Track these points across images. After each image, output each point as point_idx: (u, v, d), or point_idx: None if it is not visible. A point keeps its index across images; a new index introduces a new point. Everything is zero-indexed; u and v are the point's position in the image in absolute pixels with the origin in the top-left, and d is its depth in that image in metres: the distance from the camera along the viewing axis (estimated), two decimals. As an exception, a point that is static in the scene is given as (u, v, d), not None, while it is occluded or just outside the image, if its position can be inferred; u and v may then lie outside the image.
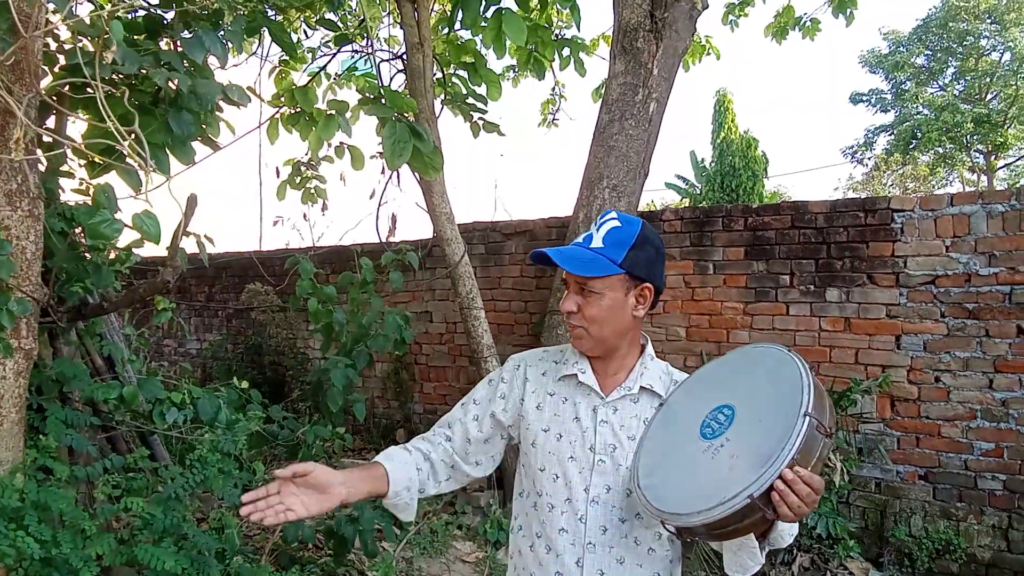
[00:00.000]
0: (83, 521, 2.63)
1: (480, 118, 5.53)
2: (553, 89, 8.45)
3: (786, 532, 1.41)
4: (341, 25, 5.69)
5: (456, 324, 6.38)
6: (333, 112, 4.43)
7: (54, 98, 2.78)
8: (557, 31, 6.72)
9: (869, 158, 29.20)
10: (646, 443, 1.47)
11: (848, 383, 4.68)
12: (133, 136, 2.04)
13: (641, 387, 1.63)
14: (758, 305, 5.07)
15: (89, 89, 2.84)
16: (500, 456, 1.79)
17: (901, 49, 27.45)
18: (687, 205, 19.84)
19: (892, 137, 27.54)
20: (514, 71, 7.97)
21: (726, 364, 1.49)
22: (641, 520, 1.55)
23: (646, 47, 4.97)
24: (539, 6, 6.13)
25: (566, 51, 6.13)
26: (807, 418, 1.19)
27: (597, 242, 1.56)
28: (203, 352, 7.95)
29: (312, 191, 5.69)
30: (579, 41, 6.25)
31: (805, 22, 7.62)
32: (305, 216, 6.94)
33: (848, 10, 6.95)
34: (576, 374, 1.65)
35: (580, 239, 1.60)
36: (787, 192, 21.60)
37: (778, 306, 5.01)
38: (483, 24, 4.54)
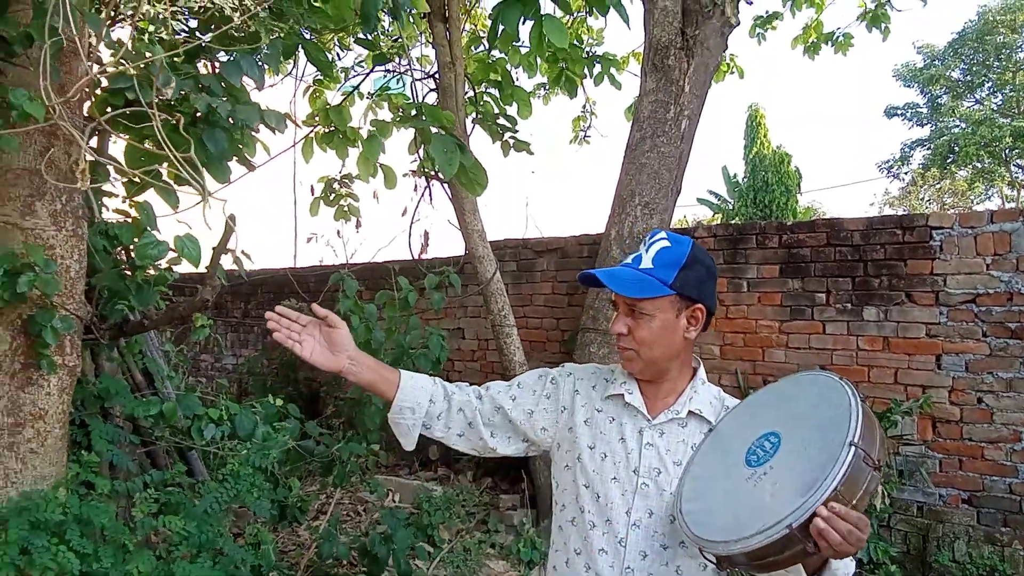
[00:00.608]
0: (123, 536, 2.66)
1: (511, 136, 5.56)
2: (584, 106, 8.47)
3: (840, 571, 1.34)
4: (376, 45, 5.77)
5: (488, 341, 6.38)
6: (375, 132, 4.50)
7: (96, 119, 2.84)
8: (587, 48, 6.76)
9: (905, 173, 28.76)
10: (692, 469, 1.45)
11: (888, 403, 4.59)
12: (173, 156, 2.08)
13: (690, 411, 1.60)
14: (794, 323, 5.00)
15: (128, 111, 2.92)
16: (517, 445, 1.76)
17: (936, 63, 27.07)
18: (719, 221, 19.70)
19: (928, 151, 27.11)
20: (544, 89, 8.01)
21: (775, 391, 1.47)
22: (685, 549, 1.51)
23: (677, 64, 4.96)
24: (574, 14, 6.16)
25: (597, 68, 6.16)
26: (853, 448, 1.16)
27: (647, 263, 1.54)
28: (239, 367, 8.04)
29: (345, 208, 5.76)
30: (611, 57, 6.27)
31: (838, 37, 7.56)
32: (339, 233, 6.99)
33: (882, 24, 6.89)
34: (623, 394, 1.63)
35: (629, 260, 1.58)
36: (821, 208, 21.35)
37: (814, 324, 4.94)
38: (520, 44, 4.56)
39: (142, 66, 2.54)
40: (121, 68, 2.48)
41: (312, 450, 3.93)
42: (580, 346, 5.14)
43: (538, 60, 6.12)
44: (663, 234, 1.60)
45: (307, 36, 4.70)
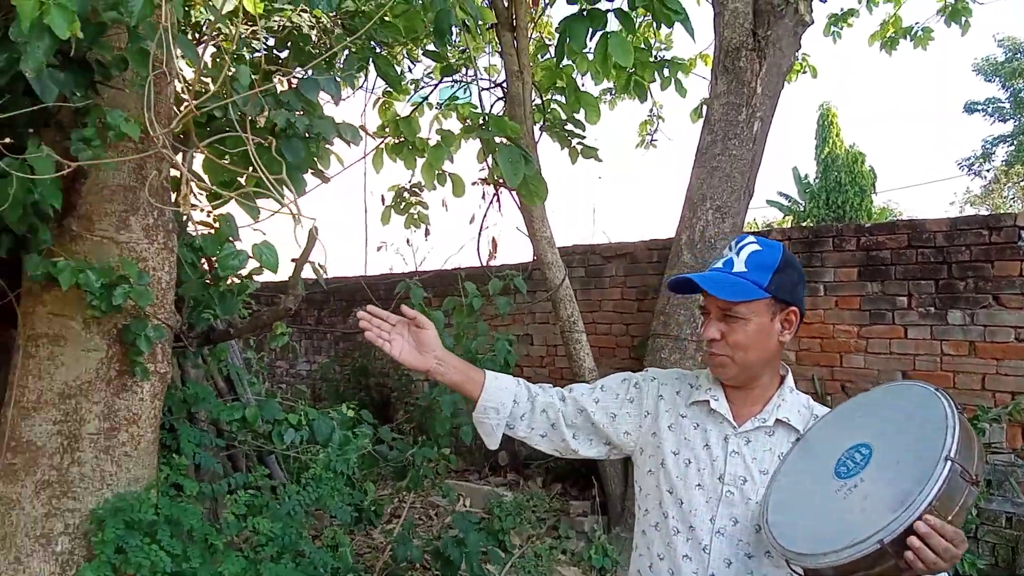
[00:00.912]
0: (212, 536, 2.77)
1: (579, 143, 5.56)
2: (651, 110, 8.40)
3: None
4: (444, 57, 5.86)
5: (556, 347, 6.39)
6: (440, 141, 4.57)
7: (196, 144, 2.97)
8: (655, 52, 6.70)
9: (987, 170, 27.51)
10: (779, 478, 1.43)
11: (974, 410, 4.41)
12: (261, 170, 2.16)
13: (777, 420, 1.57)
14: (873, 328, 4.85)
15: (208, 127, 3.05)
16: (599, 448, 1.77)
17: (1019, 56, 25.84)
18: (790, 223, 19.23)
19: (1012, 148, 25.88)
20: (611, 93, 7.98)
21: (866, 401, 1.43)
22: (771, 558, 1.49)
23: (749, 66, 4.89)
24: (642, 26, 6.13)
25: (665, 72, 6.10)
26: (949, 462, 1.12)
27: (739, 266, 1.53)
28: (312, 373, 8.26)
29: (415, 216, 5.86)
30: (679, 61, 6.21)
31: (916, 32, 7.31)
32: (408, 241, 7.12)
33: (962, 19, 6.63)
34: (708, 400, 1.62)
35: (720, 264, 1.57)
36: (897, 208, 20.62)
37: (895, 329, 4.78)
38: (587, 51, 4.58)
39: (228, 85, 2.65)
40: (208, 88, 2.60)
41: (386, 455, 4.00)
42: (651, 352, 5.10)
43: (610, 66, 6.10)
44: (752, 238, 1.59)
45: (377, 50, 4.82)
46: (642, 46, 6.43)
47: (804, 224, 17.08)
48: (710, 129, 5.02)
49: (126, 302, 2.57)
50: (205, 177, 3.93)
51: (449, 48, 6.29)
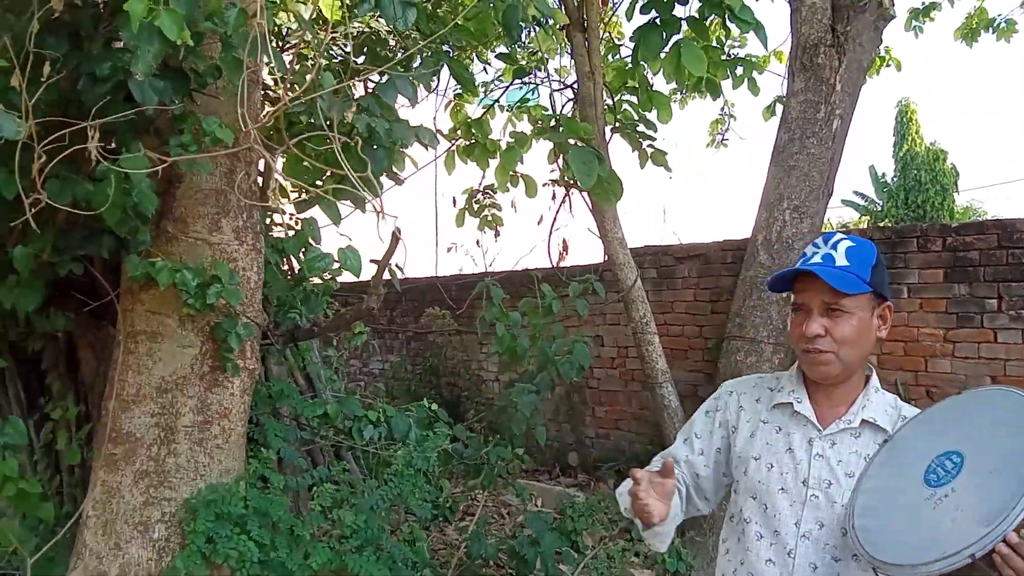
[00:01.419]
0: (298, 528, 2.86)
1: (649, 146, 5.50)
2: (722, 109, 8.27)
3: None
4: (515, 59, 5.90)
5: (627, 349, 6.35)
6: (513, 143, 4.60)
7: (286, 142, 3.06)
8: (728, 50, 6.60)
9: (1081, 166, 26.05)
10: (866, 482, 1.40)
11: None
12: (350, 174, 2.23)
13: (863, 420, 1.54)
14: (960, 331, 4.66)
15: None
16: (724, 486, 1.76)
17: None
18: (866, 223, 18.63)
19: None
20: (681, 92, 7.88)
21: (956, 406, 1.40)
22: (857, 562, 1.45)
23: (828, 63, 4.76)
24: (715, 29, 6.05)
25: (738, 70, 6.00)
26: None
27: (841, 260, 1.50)
28: (385, 372, 8.41)
29: (488, 218, 5.92)
30: (752, 60, 6.10)
31: (999, 23, 7.00)
32: (478, 243, 7.19)
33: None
34: (791, 403, 1.60)
35: (816, 259, 1.53)
36: (981, 207, 19.73)
37: (984, 332, 4.58)
38: (661, 56, 4.55)
39: (313, 89, 2.73)
40: (294, 93, 2.68)
41: (460, 453, 4.05)
42: (726, 354, 5.02)
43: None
44: (841, 234, 1.56)
45: (450, 53, 4.88)
46: (714, 44, 6.35)
47: (882, 224, 16.53)
48: (787, 128, 4.91)
49: (218, 301, 2.69)
50: (286, 184, 4.06)
51: (520, 50, 6.33)
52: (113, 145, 2.43)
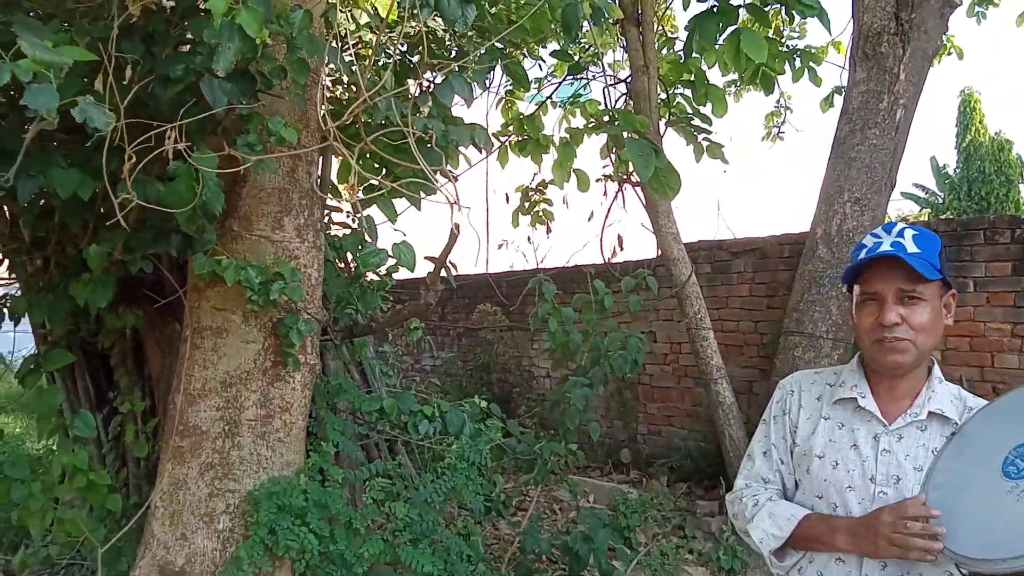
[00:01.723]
0: (356, 521, 2.91)
1: (705, 138, 5.43)
2: (778, 101, 8.11)
3: None
4: (569, 55, 5.88)
5: (681, 344, 6.29)
6: (568, 139, 4.59)
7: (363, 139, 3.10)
8: (786, 40, 6.46)
9: None
10: (936, 475, 1.37)
11: None
12: (426, 170, 2.25)
13: (930, 412, 1.52)
14: (1030, 327, 4.51)
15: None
16: None
17: None
18: (927, 216, 18.07)
19: None
20: (735, 85, 7.76)
21: None
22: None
23: (891, 51, 4.64)
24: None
25: (797, 62, 5.88)
26: None
27: (911, 247, 1.47)
28: (437, 368, 8.49)
29: (541, 214, 5.92)
30: (811, 51, 5.96)
31: (1071, 8, 6.72)
32: (529, 239, 7.20)
33: None
34: (855, 398, 1.57)
35: (887, 246, 1.48)
36: (1050, 198, 18.96)
37: (1055, 328, 4.43)
38: (716, 46, 4.50)
39: (376, 91, 2.76)
40: (354, 94, 2.72)
41: (513, 448, 4.07)
42: (783, 350, 4.94)
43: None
44: (902, 224, 1.54)
45: (504, 51, 4.89)
46: (771, 35, 6.22)
47: (944, 216, 16.02)
48: (848, 119, 4.80)
49: (280, 297, 2.75)
50: (340, 183, 4.12)
51: (573, 46, 6.30)
52: (181, 146, 2.50)
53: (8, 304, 3.13)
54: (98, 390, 3.57)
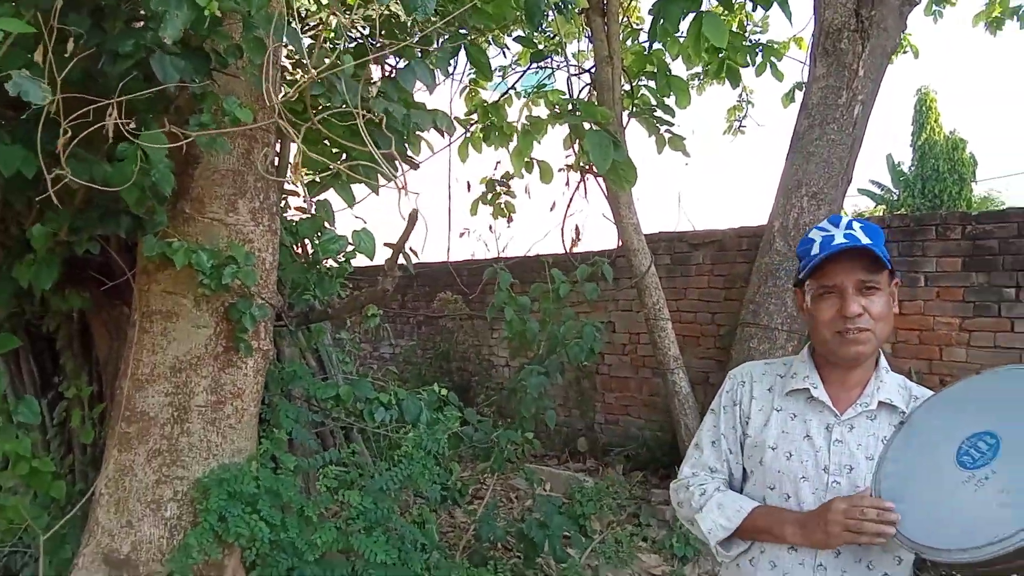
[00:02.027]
0: (308, 508, 2.88)
1: (667, 131, 5.46)
2: (740, 95, 8.19)
3: None
4: (533, 43, 5.86)
5: (639, 335, 6.34)
6: (529, 127, 4.57)
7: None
8: (749, 35, 6.53)
9: (1103, 158, 25.68)
10: (887, 465, 1.39)
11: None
12: (375, 155, 2.22)
13: (880, 402, 1.54)
14: (977, 320, 4.63)
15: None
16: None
17: None
18: (882, 212, 18.46)
19: None
20: (699, 79, 7.82)
21: (979, 385, 1.38)
22: (883, 548, 1.46)
23: (851, 48, 4.70)
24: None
25: (759, 57, 5.95)
26: None
27: (863, 237, 1.49)
28: (395, 356, 8.44)
29: (502, 206, 5.90)
30: (773, 45, 6.04)
31: (1023, 11, 6.89)
32: (491, 228, 7.17)
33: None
34: (807, 388, 1.59)
35: (840, 239, 1.49)
36: (1000, 197, 19.48)
37: (1001, 322, 4.55)
38: (678, 34, 4.52)
39: (328, 73, 2.71)
40: (308, 76, 2.66)
41: (470, 436, 4.07)
42: (739, 341, 5.01)
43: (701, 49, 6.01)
44: (847, 217, 1.57)
45: (467, 36, 4.85)
46: (735, 29, 6.28)
47: (898, 212, 16.37)
48: (807, 114, 4.86)
49: (233, 282, 2.69)
50: (301, 167, 4.04)
51: (538, 35, 6.28)
52: (132, 125, 2.43)
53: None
54: (43, 374, 3.47)
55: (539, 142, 4.81)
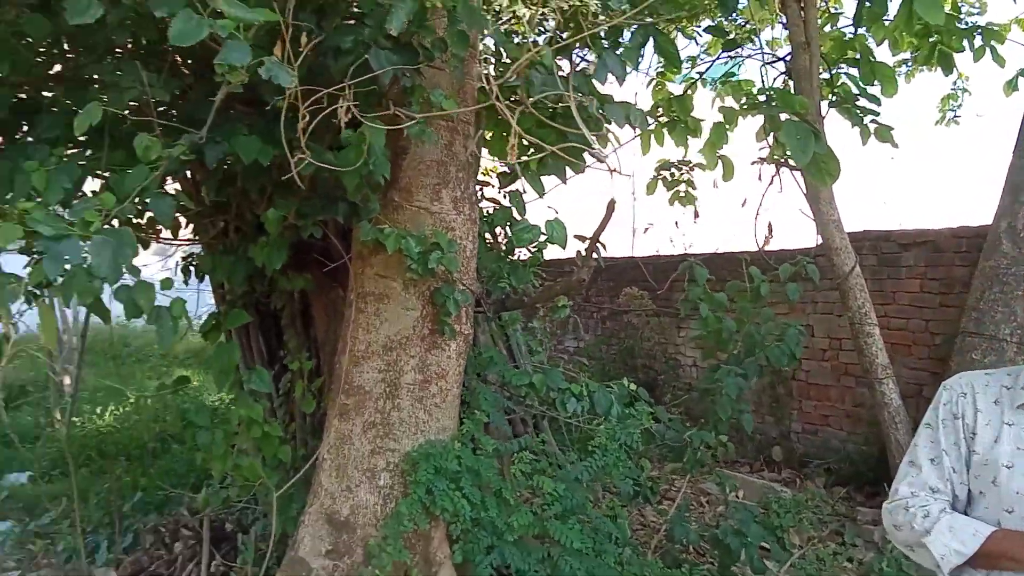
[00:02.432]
0: (505, 491, 2.93)
1: (872, 121, 5.07)
2: (954, 83, 7.46)
3: None
4: (724, 31, 5.67)
5: (841, 340, 5.92)
6: (722, 119, 4.42)
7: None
8: (965, 18, 5.94)
9: None
10: None
11: None
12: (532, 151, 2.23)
13: None
14: None
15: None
16: None
17: None
18: None
19: None
20: (907, 65, 7.21)
21: None
22: None
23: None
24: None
25: (977, 40, 5.37)
26: None
27: None
28: (579, 350, 8.45)
29: (682, 194, 5.72)
30: (992, 28, 5.44)
31: None
32: (676, 224, 7.01)
33: None
34: None
35: None
36: None
37: None
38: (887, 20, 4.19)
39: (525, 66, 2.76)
40: (520, 61, 2.72)
41: (663, 434, 3.97)
42: (959, 352, 4.54)
43: (904, 34, 5.54)
44: None
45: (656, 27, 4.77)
46: (948, 11, 5.72)
47: None
48: (1043, 97, 4.33)
49: (438, 267, 2.81)
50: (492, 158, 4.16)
51: (726, 23, 6.06)
52: (347, 118, 2.60)
53: (195, 263, 3.40)
54: (269, 349, 3.80)
55: (731, 132, 4.64)
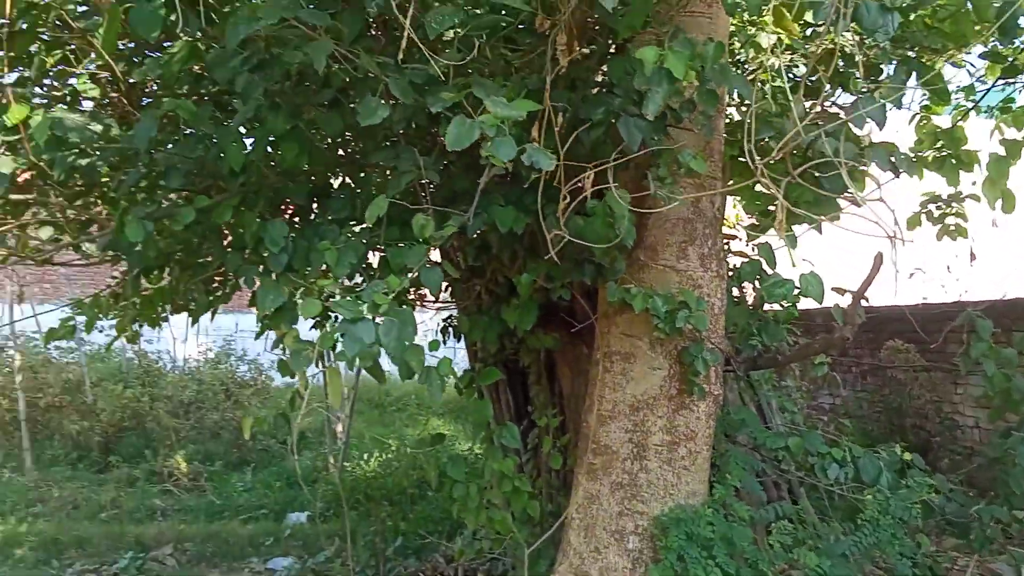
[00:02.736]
0: (762, 563, 2.77)
1: None
2: None
3: None
4: (1002, 57, 5.07)
5: None
6: (1005, 152, 3.97)
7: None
8: None
9: None
10: None
11: None
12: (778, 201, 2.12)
13: None
14: None
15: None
16: None
17: None
18: None
19: None
20: None
21: None
22: None
23: None
24: None
25: None
26: None
27: None
28: (836, 407, 7.82)
29: (952, 228, 5.14)
30: None
31: None
32: (948, 268, 6.31)
33: None
34: None
35: None
36: None
37: None
38: None
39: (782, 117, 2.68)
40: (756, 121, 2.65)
41: (943, 507, 3.54)
42: None
43: None
44: None
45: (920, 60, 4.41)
46: None
47: None
48: None
49: (685, 326, 2.77)
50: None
51: (1007, 47, 5.40)
52: (602, 187, 2.68)
53: (453, 324, 3.67)
54: (517, 405, 3.97)
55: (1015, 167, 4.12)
